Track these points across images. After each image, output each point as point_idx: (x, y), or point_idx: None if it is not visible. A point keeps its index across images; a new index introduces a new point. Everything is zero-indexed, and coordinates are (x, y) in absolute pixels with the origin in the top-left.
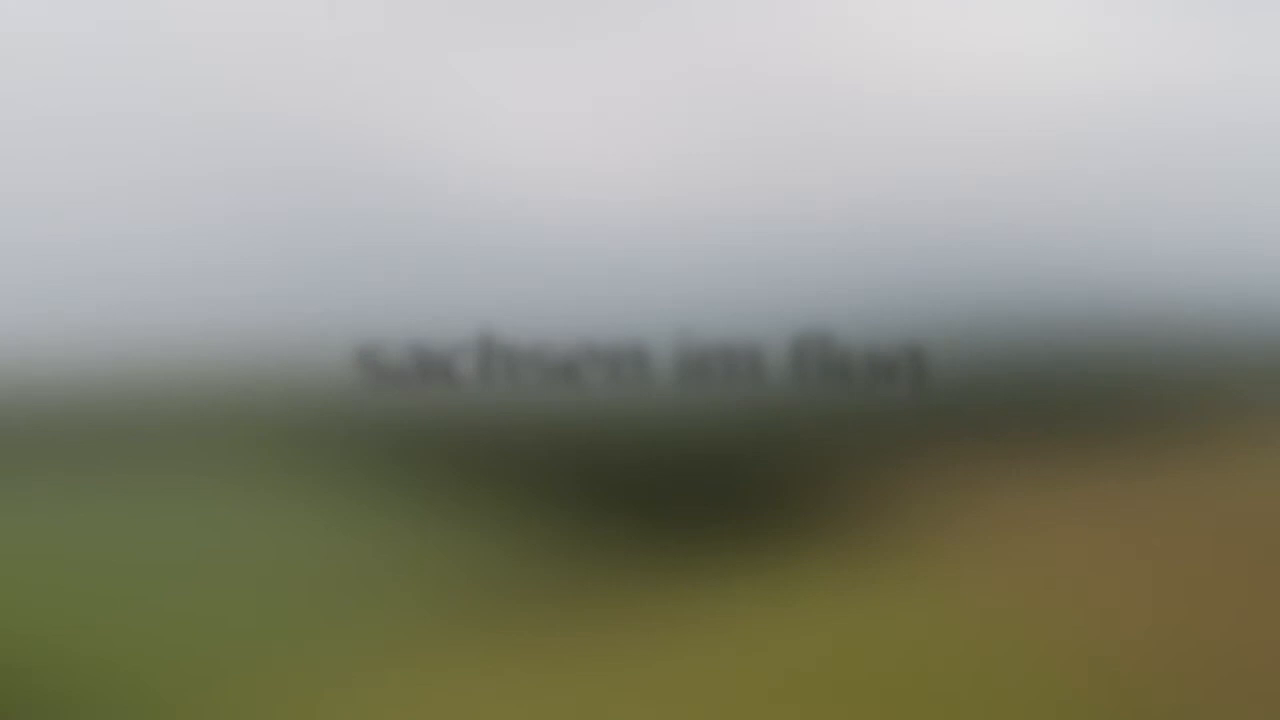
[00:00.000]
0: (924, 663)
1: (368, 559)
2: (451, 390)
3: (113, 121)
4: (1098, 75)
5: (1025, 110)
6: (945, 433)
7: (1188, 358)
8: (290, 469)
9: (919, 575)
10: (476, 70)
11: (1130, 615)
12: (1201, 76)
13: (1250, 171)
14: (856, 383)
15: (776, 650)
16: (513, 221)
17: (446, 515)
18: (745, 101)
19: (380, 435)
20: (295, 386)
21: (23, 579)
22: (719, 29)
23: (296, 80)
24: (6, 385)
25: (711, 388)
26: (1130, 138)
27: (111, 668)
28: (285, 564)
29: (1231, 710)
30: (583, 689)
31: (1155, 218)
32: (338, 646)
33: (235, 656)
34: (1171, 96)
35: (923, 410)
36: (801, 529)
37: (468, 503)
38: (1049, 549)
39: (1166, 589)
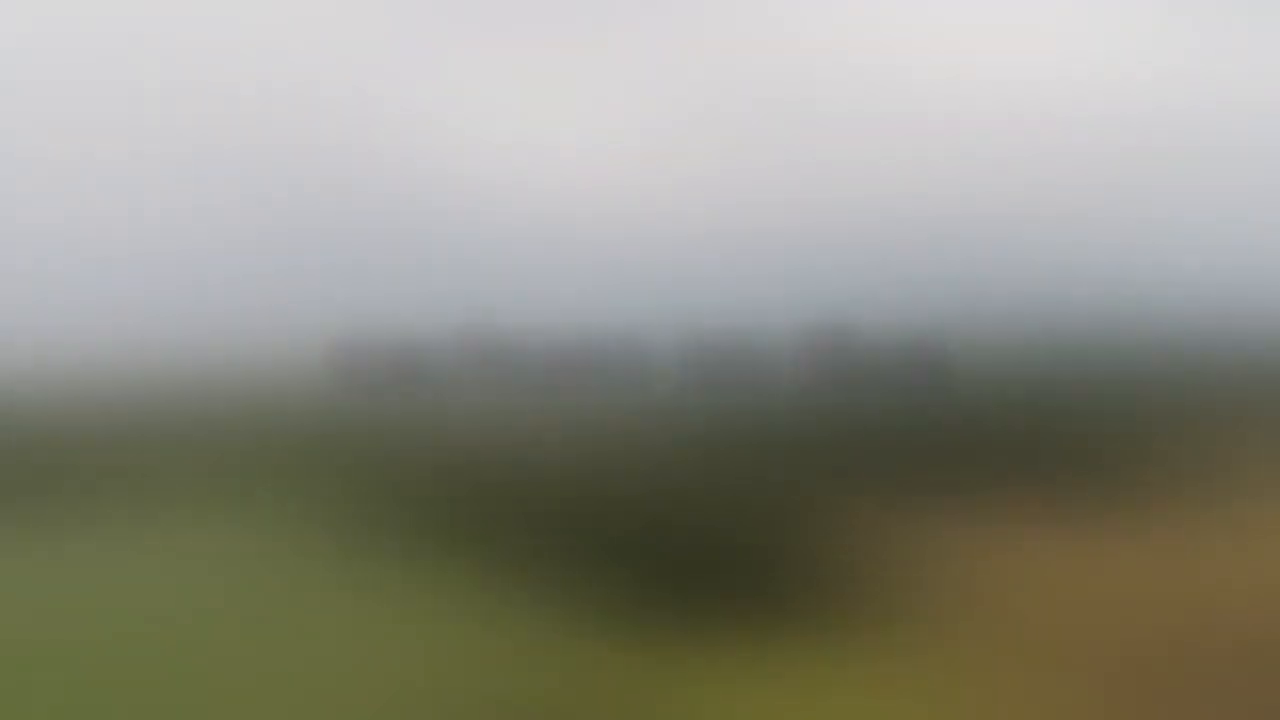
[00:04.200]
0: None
1: (344, 584)
2: (436, 395)
3: (94, 115)
4: (1122, 81)
5: (1049, 106)
6: (968, 450)
7: (1213, 360)
8: (263, 483)
9: (938, 612)
10: (466, 59)
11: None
12: (1223, 90)
13: (1268, 186)
14: (873, 385)
15: (785, 663)
16: (511, 211)
17: (435, 533)
18: (755, 88)
19: (357, 448)
20: (266, 391)
21: None
22: (733, 17)
23: (283, 75)
24: None
25: (717, 387)
26: (1157, 145)
27: (78, 693)
28: (258, 585)
29: None
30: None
31: (1186, 222)
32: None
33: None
34: (1191, 102)
35: (946, 420)
36: (811, 560)
37: (454, 519)
38: (1081, 584)
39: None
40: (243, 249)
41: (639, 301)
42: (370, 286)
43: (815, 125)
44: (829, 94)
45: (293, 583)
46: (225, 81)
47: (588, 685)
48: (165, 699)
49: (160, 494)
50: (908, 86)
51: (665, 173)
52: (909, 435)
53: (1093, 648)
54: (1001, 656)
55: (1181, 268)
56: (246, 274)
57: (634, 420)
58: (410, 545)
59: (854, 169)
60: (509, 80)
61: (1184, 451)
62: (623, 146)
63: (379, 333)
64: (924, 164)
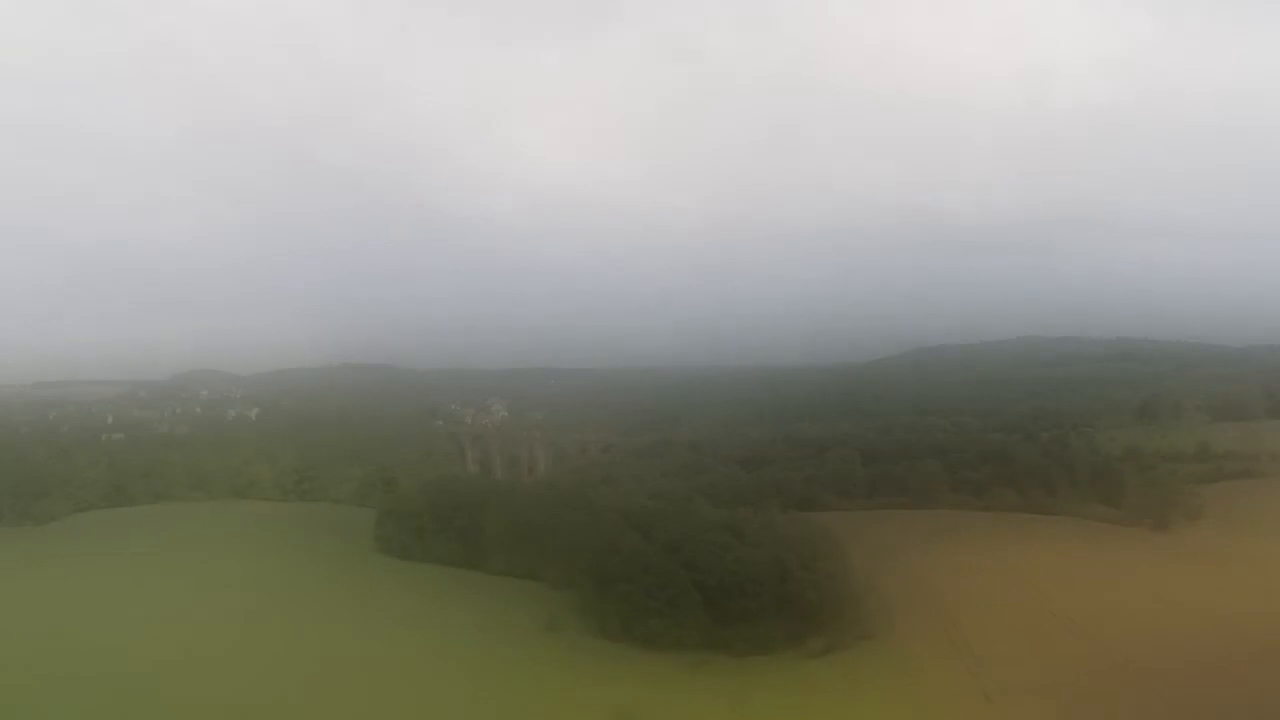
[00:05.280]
0: None
1: (342, 585)
2: (435, 393)
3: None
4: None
5: (1048, 106)
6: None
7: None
8: (262, 483)
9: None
10: (466, 59)
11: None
12: (1223, 90)
13: (1267, 186)
14: (868, 386)
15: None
16: (511, 211)
17: (433, 533)
18: (754, 87)
19: (357, 447)
20: (266, 391)
21: None
22: (733, 16)
23: (286, 76)
24: None
25: (716, 386)
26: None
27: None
28: (256, 586)
29: None
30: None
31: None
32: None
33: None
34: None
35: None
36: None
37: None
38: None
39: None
40: (242, 249)
41: (639, 301)
42: (370, 286)
43: (815, 124)
44: (828, 93)
45: (290, 583)
46: (225, 81)
47: (585, 687)
48: (162, 698)
49: (159, 493)
50: (908, 86)
51: (666, 171)
52: (903, 441)
53: (1098, 651)
54: (1004, 660)
55: (1182, 267)
56: (244, 273)
57: (633, 420)
58: (408, 545)
59: (854, 168)
60: (509, 80)
61: (1180, 457)
62: (623, 145)
63: (379, 332)
64: (924, 163)
